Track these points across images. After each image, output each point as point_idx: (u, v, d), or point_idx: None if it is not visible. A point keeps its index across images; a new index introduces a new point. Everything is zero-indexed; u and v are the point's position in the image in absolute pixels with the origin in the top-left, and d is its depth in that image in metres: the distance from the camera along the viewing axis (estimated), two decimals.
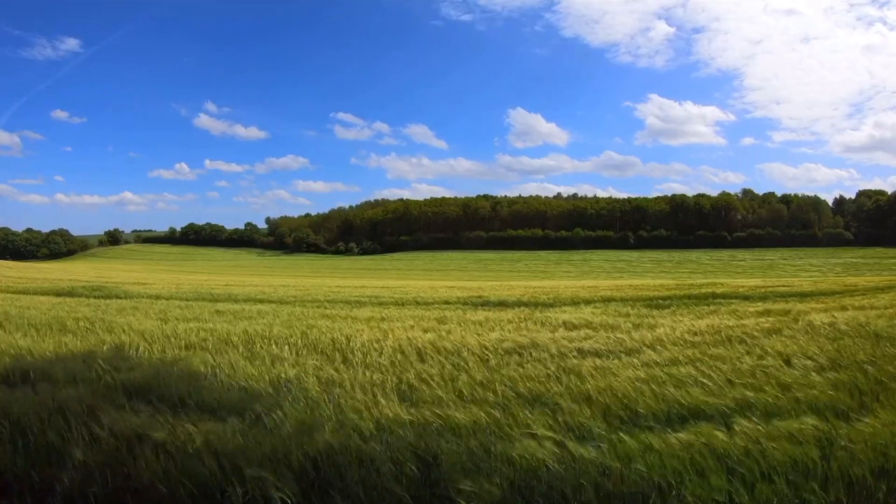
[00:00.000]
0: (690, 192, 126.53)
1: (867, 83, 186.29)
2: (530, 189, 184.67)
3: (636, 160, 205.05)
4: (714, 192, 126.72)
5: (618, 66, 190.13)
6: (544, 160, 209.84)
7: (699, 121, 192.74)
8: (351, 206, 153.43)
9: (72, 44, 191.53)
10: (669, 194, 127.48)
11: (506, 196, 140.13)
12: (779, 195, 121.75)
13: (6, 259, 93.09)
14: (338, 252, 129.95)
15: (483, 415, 3.73)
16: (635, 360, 5.59)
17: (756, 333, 6.93)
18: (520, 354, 5.97)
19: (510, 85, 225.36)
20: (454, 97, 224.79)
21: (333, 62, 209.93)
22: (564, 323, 8.64)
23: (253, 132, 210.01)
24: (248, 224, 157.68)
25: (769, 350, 5.75)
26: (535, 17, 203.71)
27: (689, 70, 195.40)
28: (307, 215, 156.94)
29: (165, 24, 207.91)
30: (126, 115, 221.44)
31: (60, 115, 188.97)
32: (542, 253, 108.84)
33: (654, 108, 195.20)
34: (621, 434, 3.29)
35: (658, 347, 6.31)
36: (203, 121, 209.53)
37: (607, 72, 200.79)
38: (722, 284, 21.74)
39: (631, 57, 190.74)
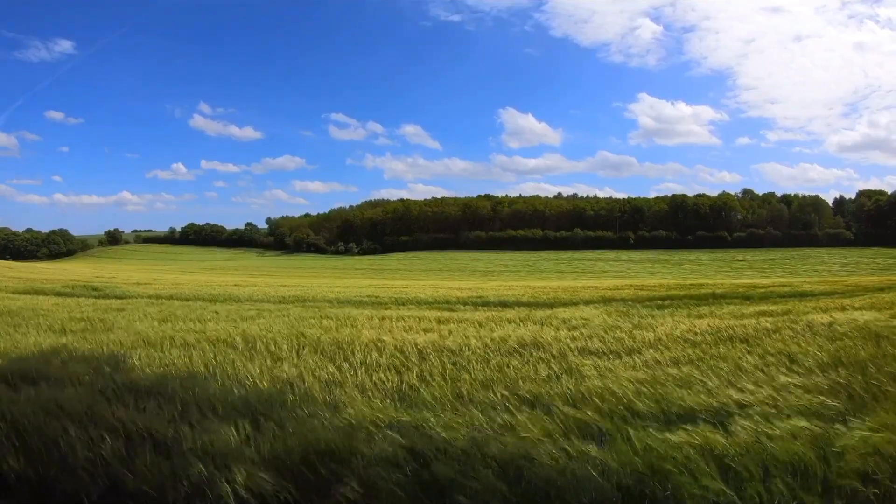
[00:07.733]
0: (688, 192, 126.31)
1: (862, 82, 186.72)
2: (528, 189, 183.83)
3: (632, 160, 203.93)
4: (710, 192, 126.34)
5: (609, 66, 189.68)
6: (540, 160, 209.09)
7: (692, 120, 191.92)
8: (351, 207, 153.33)
9: (66, 45, 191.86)
10: (668, 194, 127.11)
11: (507, 196, 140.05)
12: (778, 195, 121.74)
13: (6, 259, 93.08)
14: (338, 252, 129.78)
15: (484, 415, 3.73)
16: (636, 360, 5.60)
17: (756, 333, 6.93)
18: (521, 354, 5.96)
19: (501, 85, 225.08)
20: (446, 97, 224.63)
21: (325, 62, 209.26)
22: (565, 322, 8.64)
23: (248, 132, 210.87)
24: (248, 224, 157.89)
25: (770, 350, 5.75)
26: (524, 16, 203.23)
27: (681, 69, 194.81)
28: (307, 215, 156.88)
29: (158, 26, 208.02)
30: (121, 115, 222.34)
31: (57, 116, 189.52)
32: (542, 253, 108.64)
33: (646, 108, 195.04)
34: (620, 434, 3.28)
35: (658, 347, 6.31)
36: (198, 121, 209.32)
37: (599, 71, 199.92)
38: (722, 285, 21.76)
39: (622, 57, 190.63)
